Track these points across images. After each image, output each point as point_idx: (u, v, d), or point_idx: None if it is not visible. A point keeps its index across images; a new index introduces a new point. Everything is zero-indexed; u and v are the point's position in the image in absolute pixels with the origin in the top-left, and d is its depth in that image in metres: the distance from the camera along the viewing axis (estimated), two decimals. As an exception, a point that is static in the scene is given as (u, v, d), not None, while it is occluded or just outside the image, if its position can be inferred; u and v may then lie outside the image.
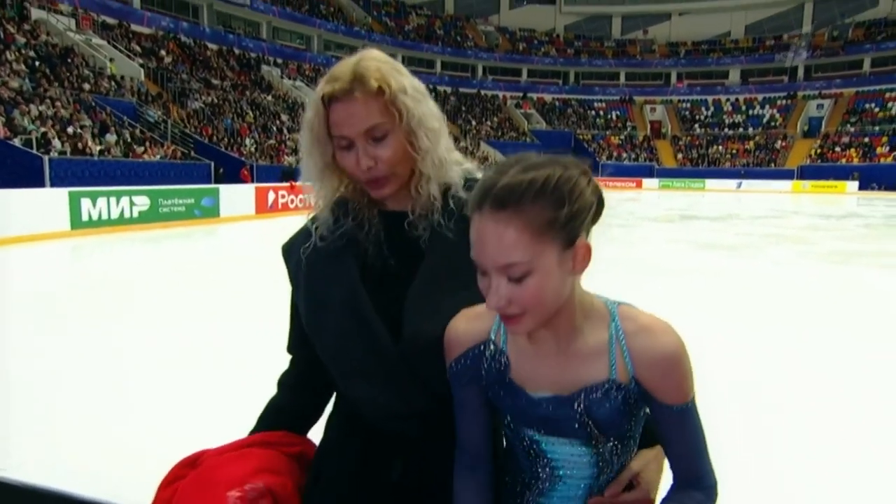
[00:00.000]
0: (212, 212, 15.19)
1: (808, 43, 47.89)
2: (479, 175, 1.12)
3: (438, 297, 1.03)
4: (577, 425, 0.93)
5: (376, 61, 1.02)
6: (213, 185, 16.44)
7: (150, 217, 13.54)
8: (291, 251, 1.15)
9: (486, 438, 1.04)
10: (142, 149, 17.35)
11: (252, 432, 1.19)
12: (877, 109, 44.28)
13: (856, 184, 37.83)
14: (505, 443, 1.06)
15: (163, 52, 27.86)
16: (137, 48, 26.59)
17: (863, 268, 9.20)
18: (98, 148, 15.92)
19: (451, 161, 1.09)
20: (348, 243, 1.09)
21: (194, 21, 34.39)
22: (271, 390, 1.23)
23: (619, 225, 15.16)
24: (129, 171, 15.86)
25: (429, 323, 1.01)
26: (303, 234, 1.15)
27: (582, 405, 0.92)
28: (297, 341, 1.17)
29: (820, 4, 50.54)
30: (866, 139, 42.16)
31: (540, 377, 0.94)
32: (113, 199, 12.77)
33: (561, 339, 0.92)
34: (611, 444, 0.95)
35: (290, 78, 33.96)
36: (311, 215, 1.14)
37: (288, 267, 1.16)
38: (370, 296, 1.05)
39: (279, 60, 36.05)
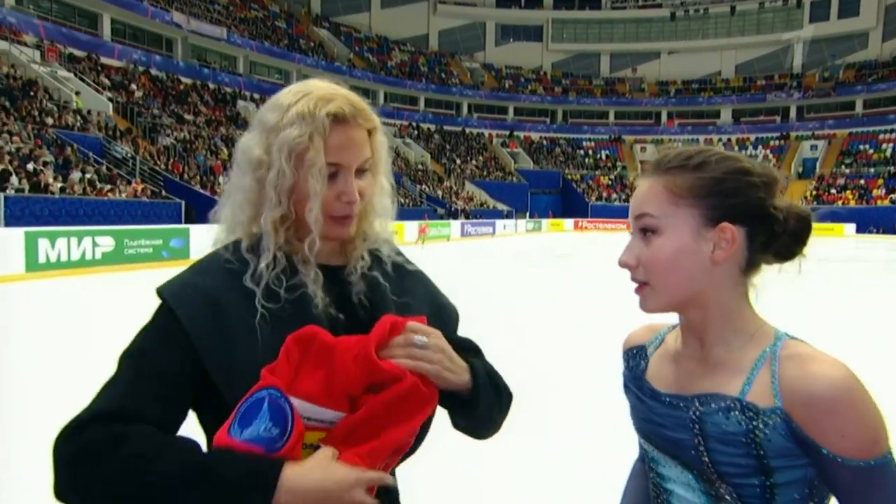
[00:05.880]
0: (181, 253, 15.01)
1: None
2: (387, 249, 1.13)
3: None
4: (691, 445, 0.88)
5: (354, 95, 1.03)
6: (182, 226, 16.32)
7: (114, 259, 13.34)
8: (195, 295, 0.94)
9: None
10: (108, 187, 17.09)
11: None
12: (871, 151, 45.50)
13: (853, 226, 38.50)
14: None
15: (133, 86, 27.86)
16: (107, 81, 26.56)
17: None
18: (59, 185, 15.64)
19: (388, 211, 1.11)
20: (299, 301, 0.97)
21: (168, 54, 34.57)
22: None
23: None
24: (92, 211, 15.60)
25: None
26: (220, 275, 0.97)
27: (696, 412, 0.88)
28: (152, 398, 0.92)
29: (810, 45, 52.32)
30: (862, 181, 43.16)
31: (670, 375, 0.97)
32: (74, 240, 12.53)
33: (706, 346, 0.93)
34: (726, 491, 0.86)
35: (267, 114, 34.01)
36: (220, 252, 1.01)
37: (181, 312, 0.93)
38: None
39: (256, 96, 36.20)
